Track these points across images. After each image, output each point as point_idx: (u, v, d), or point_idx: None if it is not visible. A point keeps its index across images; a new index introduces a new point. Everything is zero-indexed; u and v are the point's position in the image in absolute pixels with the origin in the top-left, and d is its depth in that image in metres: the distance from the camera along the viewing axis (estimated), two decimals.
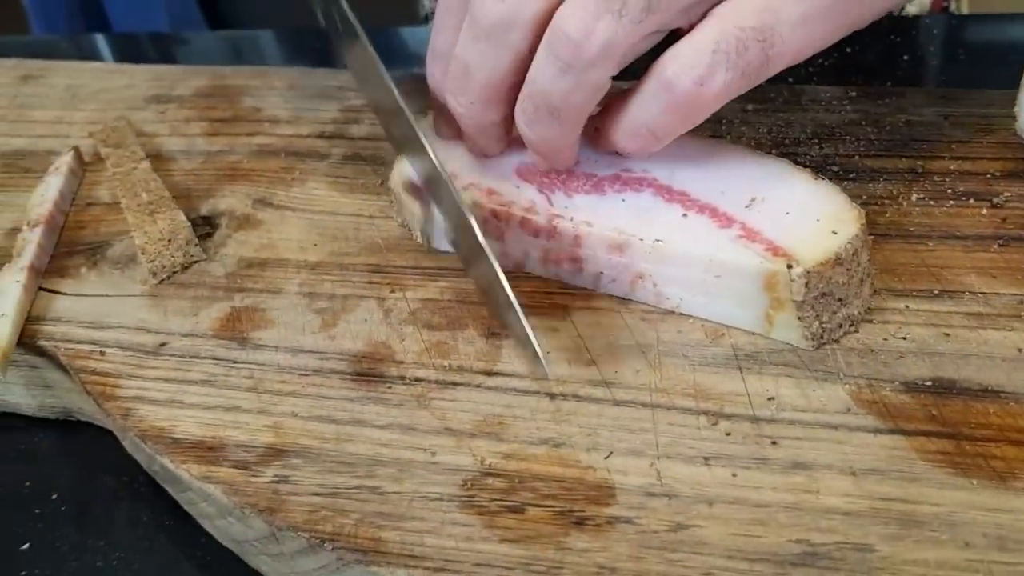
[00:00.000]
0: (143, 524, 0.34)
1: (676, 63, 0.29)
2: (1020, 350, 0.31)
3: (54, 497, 0.36)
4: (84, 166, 0.44)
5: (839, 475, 0.28)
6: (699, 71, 0.29)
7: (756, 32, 0.28)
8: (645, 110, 0.31)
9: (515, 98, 0.33)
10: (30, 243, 0.38)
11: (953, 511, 0.26)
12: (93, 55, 0.73)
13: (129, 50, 0.78)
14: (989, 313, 0.32)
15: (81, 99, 0.51)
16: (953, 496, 0.27)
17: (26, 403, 0.38)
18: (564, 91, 0.30)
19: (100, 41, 0.83)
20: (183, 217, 0.39)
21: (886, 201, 0.38)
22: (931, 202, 0.38)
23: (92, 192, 0.43)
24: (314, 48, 0.72)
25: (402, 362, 0.33)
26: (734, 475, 0.28)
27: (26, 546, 0.34)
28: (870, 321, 0.33)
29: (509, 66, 0.32)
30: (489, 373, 0.32)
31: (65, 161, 0.43)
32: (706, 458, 0.29)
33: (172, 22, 1.58)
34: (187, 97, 0.50)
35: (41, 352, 0.36)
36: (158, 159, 0.44)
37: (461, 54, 0.32)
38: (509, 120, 0.34)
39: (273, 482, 0.29)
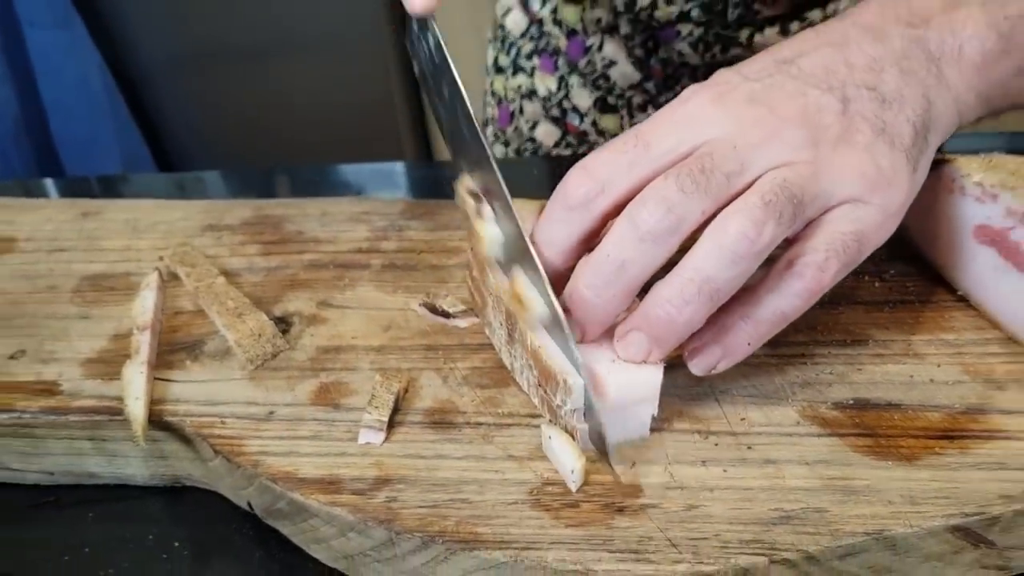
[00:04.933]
0: (257, 559, 0.43)
1: (801, 259, 0.38)
2: (911, 376, 0.43)
3: (176, 544, 0.44)
4: (165, 283, 0.54)
5: (797, 465, 0.39)
6: (819, 263, 0.38)
7: (853, 235, 0.38)
8: (779, 297, 0.39)
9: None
10: (143, 343, 0.48)
11: (878, 483, 0.38)
12: (41, 196, 0.79)
13: (79, 192, 0.84)
14: (887, 353, 0.45)
15: (141, 230, 0.60)
16: (876, 473, 0.38)
17: (140, 473, 0.47)
18: (730, 277, 0.37)
19: (49, 184, 0.91)
20: (265, 317, 0.49)
21: None
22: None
23: (175, 303, 0.53)
24: (259, 186, 0.82)
25: (465, 412, 0.43)
26: (725, 471, 0.39)
27: None
28: (805, 364, 0.45)
29: (660, 263, 0.38)
30: (534, 416, 0.43)
31: (153, 279, 0.52)
32: (703, 461, 0.40)
33: (124, 163, 1.68)
34: (236, 225, 0.60)
35: (166, 427, 0.44)
36: (226, 275, 0.54)
37: (616, 252, 0.38)
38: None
39: (385, 502, 0.39)
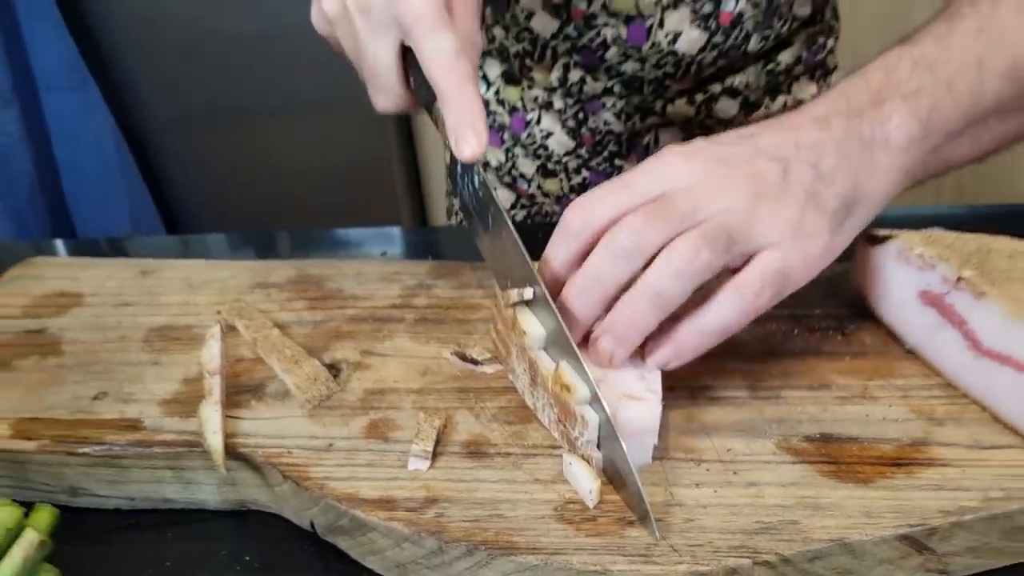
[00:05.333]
0: (318, 569, 0.50)
1: (739, 284, 0.48)
2: (867, 415, 0.52)
3: (247, 559, 0.51)
4: (224, 334, 0.62)
5: (775, 487, 0.47)
6: (755, 289, 0.48)
7: (781, 271, 0.49)
8: (720, 312, 0.49)
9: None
10: (214, 385, 0.55)
11: (840, 501, 0.46)
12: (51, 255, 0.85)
13: (88, 252, 0.86)
14: (847, 396, 0.54)
15: (196, 287, 0.68)
16: (839, 493, 0.47)
17: (212, 499, 0.54)
18: (674, 289, 0.47)
19: (59, 245, 0.99)
20: (319, 363, 0.57)
21: (779, 335, 0.60)
22: (807, 333, 0.60)
23: (235, 352, 0.60)
24: (256, 246, 0.93)
25: (496, 444, 0.51)
26: (715, 491, 0.47)
27: None
28: (780, 404, 0.53)
29: (628, 277, 0.49)
30: (555, 447, 0.51)
31: (216, 330, 0.60)
32: (697, 484, 0.48)
33: (133, 222, 1.76)
34: (283, 283, 0.68)
35: (239, 457, 0.52)
36: (279, 327, 0.62)
37: (595, 268, 0.49)
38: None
39: (435, 517, 0.46)
